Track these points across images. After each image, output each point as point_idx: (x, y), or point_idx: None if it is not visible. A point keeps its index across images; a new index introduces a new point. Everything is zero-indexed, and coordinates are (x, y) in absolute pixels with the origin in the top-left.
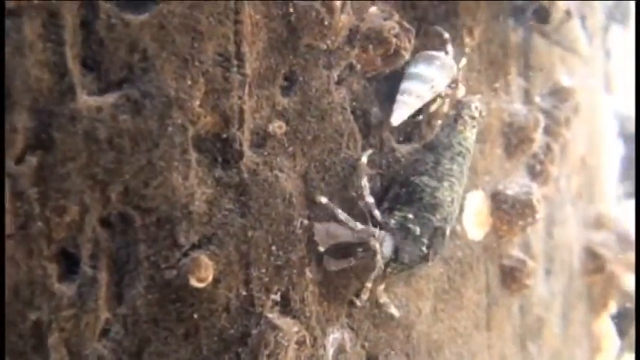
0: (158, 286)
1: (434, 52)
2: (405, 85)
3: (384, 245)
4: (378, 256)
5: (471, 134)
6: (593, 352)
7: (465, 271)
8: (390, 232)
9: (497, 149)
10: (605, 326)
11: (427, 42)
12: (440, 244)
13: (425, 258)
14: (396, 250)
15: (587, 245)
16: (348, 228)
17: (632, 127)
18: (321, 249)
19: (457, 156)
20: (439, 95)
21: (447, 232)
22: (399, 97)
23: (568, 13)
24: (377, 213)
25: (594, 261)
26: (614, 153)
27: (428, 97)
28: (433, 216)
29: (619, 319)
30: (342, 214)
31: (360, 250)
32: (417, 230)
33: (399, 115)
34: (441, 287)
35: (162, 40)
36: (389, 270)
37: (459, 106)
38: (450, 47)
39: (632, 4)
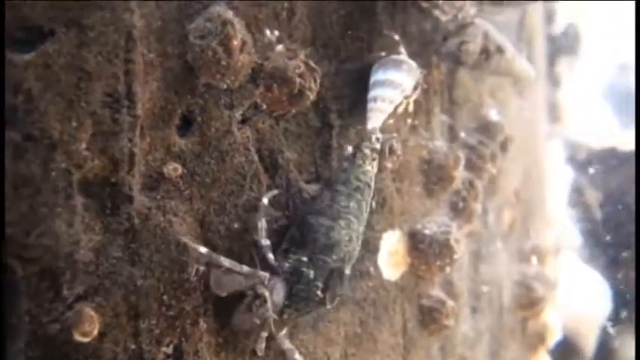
0: (40, 341)
1: (400, 57)
2: (376, 92)
3: (274, 292)
4: (268, 304)
5: (371, 167)
6: None
7: (379, 314)
8: (284, 276)
9: (416, 187)
10: None
11: None
12: (337, 286)
13: (321, 302)
14: (290, 296)
15: (520, 280)
16: (239, 276)
17: (582, 154)
18: (222, 294)
19: (354, 192)
20: (405, 96)
21: (347, 272)
22: (372, 105)
23: (499, 50)
24: (271, 257)
25: (527, 295)
26: (559, 181)
27: (398, 101)
28: (329, 257)
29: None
30: (225, 261)
31: (250, 298)
32: (311, 274)
33: (374, 123)
34: (353, 331)
35: (47, 80)
36: (285, 316)
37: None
38: (402, 48)
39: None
